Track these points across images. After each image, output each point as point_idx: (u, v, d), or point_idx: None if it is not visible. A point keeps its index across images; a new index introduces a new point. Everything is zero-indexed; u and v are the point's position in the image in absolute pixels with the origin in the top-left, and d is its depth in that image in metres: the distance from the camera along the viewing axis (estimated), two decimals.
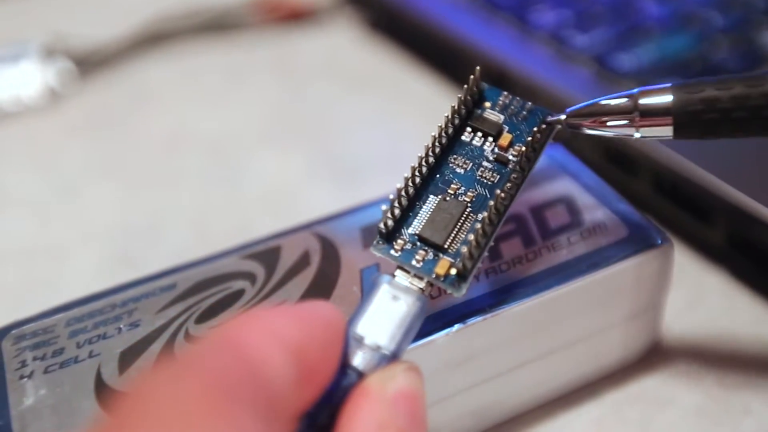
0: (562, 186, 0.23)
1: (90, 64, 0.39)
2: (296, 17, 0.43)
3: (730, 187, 0.24)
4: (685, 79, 0.29)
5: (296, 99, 0.37)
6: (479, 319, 0.19)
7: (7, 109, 0.37)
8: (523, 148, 0.19)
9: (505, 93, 0.20)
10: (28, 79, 0.37)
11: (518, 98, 0.20)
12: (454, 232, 0.18)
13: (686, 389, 0.22)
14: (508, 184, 0.19)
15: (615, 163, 0.28)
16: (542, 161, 0.23)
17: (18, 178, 0.33)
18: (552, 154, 0.24)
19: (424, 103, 0.36)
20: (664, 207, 0.27)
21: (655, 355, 0.23)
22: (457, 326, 0.19)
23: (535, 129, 0.19)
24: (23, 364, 0.18)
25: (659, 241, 0.21)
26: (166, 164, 0.33)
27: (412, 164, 0.19)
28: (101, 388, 0.18)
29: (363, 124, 0.35)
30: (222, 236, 0.27)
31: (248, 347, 0.14)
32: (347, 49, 0.40)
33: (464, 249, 0.18)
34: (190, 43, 0.41)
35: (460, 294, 0.18)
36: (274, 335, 0.14)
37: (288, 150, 0.34)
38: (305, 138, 0.34)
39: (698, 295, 0.25)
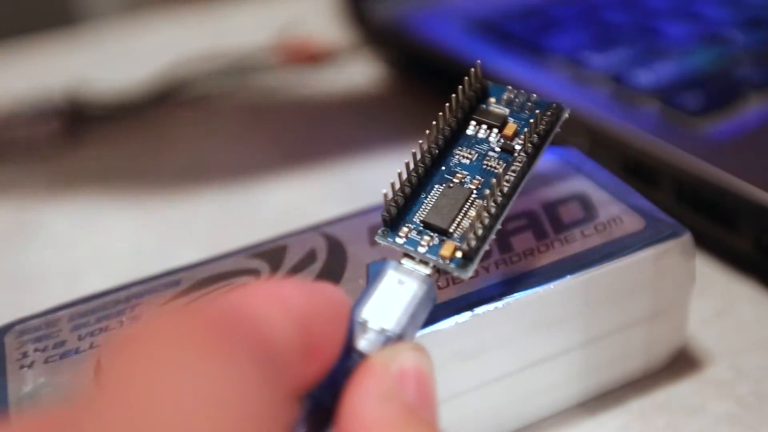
0: (577, 184, 0.23)
1: (112, 108, 0.40)
2: (317, 60, 0.44)
3: (754, 188, 0.24)
4: (707, 92, 0.29)
5: (314, 134, 0.38)
6: (489, 307, 0.19)
7: (31, 149, 0.38)
8: (527, 131, 0.19)
9: (510, 87, 0.21)
10: (51, 122, 0.39)
11: (523, 91, 0.20)
12: (459, 216, 0.18)
13: (717, 397, 0.22)
14: (513, 168, 0.19)
15: (635, 175, 0.28)
16: (556, 162, 0.23)
17: (37, 213, 0.34)
18: (566, 156, 0.24)
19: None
20: (687, 216, 0.26)
21: (682, 363, 0.23)
22: (466, 314, 0.19)
23: (538, 112, 0.19)
24: (24, 355, 0.19)
25: (678, 232, 0.20)
26: (185, 197, 0.34)
27: (414, 150, 0.19)
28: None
29: (379, 155, 0.36)
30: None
31: (252, 307, 0.14)
32: (366, 88, 0.41)
33: (470, 229, 0.18)
34: (211, 85, 0.42)
35: (467, 276, 0.17)
36: (280, 301, 0.14)
37: (304, 182, 0.34)
38: (322, 170, 0.35)
39: (727, 304, 0.25)
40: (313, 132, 0.38)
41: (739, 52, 0.32)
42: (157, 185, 0.35)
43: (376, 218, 0.22)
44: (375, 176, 0.34)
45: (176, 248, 0.31)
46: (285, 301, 0.14)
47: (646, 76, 0.31)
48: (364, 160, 0.35)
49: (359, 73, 0.43)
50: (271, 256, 0.21)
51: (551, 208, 0.22)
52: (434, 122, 0.20)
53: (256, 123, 0.39)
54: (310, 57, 0.44)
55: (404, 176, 0.19)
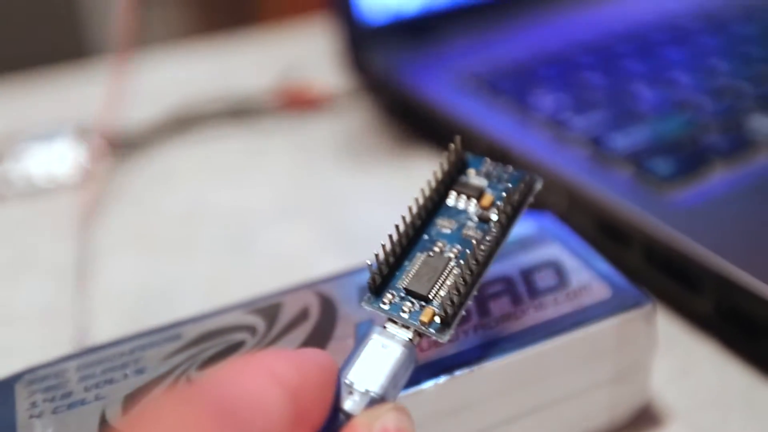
0: (551, 251, 0.23)
1: (121, 144, 0.41)
2: (313, 105, 0.45)
3: (715, 256, 0.25)
4: (677, 159, 0.30)
5: (310, 177, 0.39)
6: (467, 370, 0.20)
7: (41, 185, 0.39)
8: (502, 205, 0.20)
9: (488, 160, 0.22)
10: (62, 157, 0.40)
11: (500, 164, 0.21)
12: (438, 284, 0.19)
13: None
14: (488, 237, 0.20)
15: (608, 235, 0.29)
16: (533, 228, 0.24)
17: (48, 247, 0.35)
18: (543, 222, 0.25)
19: (430, 173, 0.37)
20: (655, 278, 0.28)
21: (644, 421, 0.24)
22: (445, 377, 0.20)
23: (510, 186, 0.20)
24: (34, 405, 0.19)
25: (642, 302, 0.21)
26: (185, 237, 0.35)
27: (397, 224, 0.20)
28: (105, 428, 0.19)
29: (372, 201, 0.37)
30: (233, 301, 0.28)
31: (250, 383, 0.15)
32: (360, 133, 0.42)
33: (447, 297, 0.19)
34: (213, 126, 0.43)
35: (445, 339, 0.18)
36: (275, 375, 0.15)
37: (300, 223, 0.35)
38: (317, 213, 0.36)
39: (689, 364, 0.26)
40: (306, 172, 0.39)
41: (707, 119, 0.33)
42: (160, 225, 0.36)
43: (366, 278, 0.23)
44: (369, 222, 0.35)
45: (178, 291, 0.31)
46: (279, 375, 0.15)
47: (621, 140, 0.32)
48: (359, 205, 0.36)
49: (356, 118, 0.44)
50: (266, 312, 0.22)
51: (527, 274, 0.23)
52: (416, 198, 0.21)
53: (254, 163, 0.40)
54: (307, 102, 0.45)
55: (388, 247, 0.20)
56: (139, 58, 0.53)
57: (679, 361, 0.26)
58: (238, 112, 0.44)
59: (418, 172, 0.38)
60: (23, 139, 0.41)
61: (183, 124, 0.43)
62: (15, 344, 0.29)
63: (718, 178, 0.30)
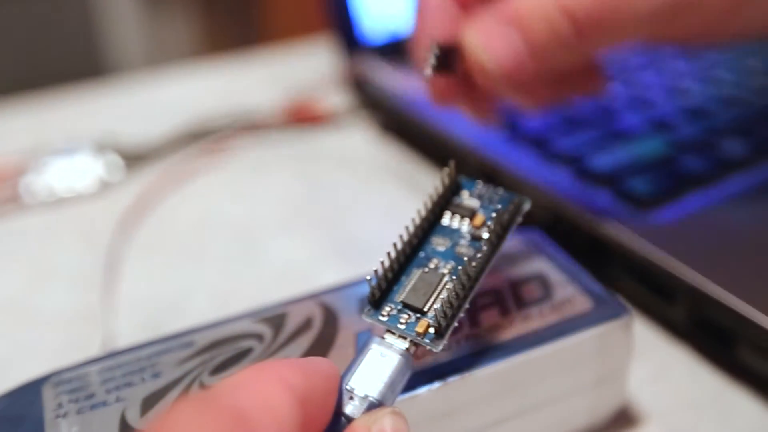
0: (538, 265, 0.24)
1: (136, 158, 0.42)
2: (317, 121, 0.46)
3: (688, 269, 0.26)
4: (654, 178, 0.31)
5: (314, 190, 0.40)
6: (458, 377, 0.21)
7: (63, 196, 0.39)
8: (492, 224, 0.21)
9: (480, 182, 0.22)
10: (82, 170, 0.40)
11: (491, 186, 0.22)
12: (433, 297, 0.20)
13: None
14: (479, 254, 0.20)
15: (591, 249, 0.30)
16: (522, 243, 0.25)
17: (68, 254, 0.35)
18: (531, 238, 0.26)
19: (427, 195, 0.38)
20: (633, 288, 0.28)
21: (621, 422, 0.24)
22: (438, 383, 0.20)
23: (500, 207, 0.21)
24: (60, 405, 0.20)
25: (620, 313, 0.22)
26: (196, 245, 0.36)
27: (395, 242, 0.21)
28: (125, 428, 0.19)
29: (372, 212, 0.38)
30: (241, 310, 0.28)
31: (263, 390, 0.16)
32: (360, 148, 0.43)
33: (441, 310, 0.19)
34: (223, 140, 0.44)
35: (438, 349, 0.19)
36: (285, 383, 0.16)
37: (304, 235, 0.36)
38: (320, 224, 0.37)
39: (663, 368, 0.27)
40: (310, 184, 0.40)
41: (682, 140, 0.34)
42: (173, 233, 0.37)
43: (366, 290, 0.24)
44: (369, 233, 0.35)
45: (187, 297, 0.32)
46: (288, 383, 0.16)
47: (603, 160, 0.33)
48: (359, 218, 0.37)
49: (355, 133, 0.45)
50: (273, 322, 0.23)
51: (515, 287, 0.23)
52: (413, 218, 0.21)
53: (262, 175, 0.41)
54: (311, 118, 0.46)
55: (387, 263, 0.21)
56: (152, 74, 0.54)
57: (655, 366, 0.27)
58: (246, 127, 0.45)
59: (414, 185, 0.39)
60: (46, 154, 0.41)
61: (194, 138, 0.44)
62: (38, 348, 0.30)
63: (692, 196, 0.30)
